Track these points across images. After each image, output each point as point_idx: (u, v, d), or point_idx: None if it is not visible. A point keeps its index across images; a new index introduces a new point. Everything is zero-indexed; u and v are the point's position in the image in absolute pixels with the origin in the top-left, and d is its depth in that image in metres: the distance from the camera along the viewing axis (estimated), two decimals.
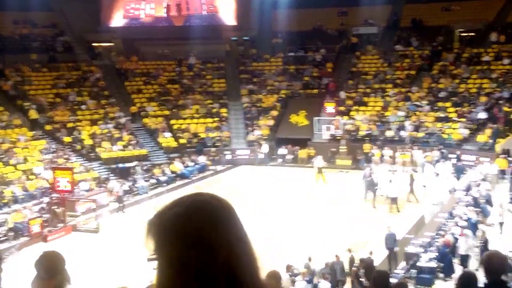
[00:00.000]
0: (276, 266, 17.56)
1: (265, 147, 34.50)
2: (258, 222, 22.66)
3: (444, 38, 38.65)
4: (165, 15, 42.65)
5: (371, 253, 16.93)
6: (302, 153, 34.24)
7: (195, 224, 1.40)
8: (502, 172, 26.81)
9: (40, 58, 37.42)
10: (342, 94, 37.07)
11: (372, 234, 20.84)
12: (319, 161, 29.94)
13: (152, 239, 1.44)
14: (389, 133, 33.41)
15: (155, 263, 1.44)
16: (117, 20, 42.61)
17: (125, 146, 32.19)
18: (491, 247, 16.10)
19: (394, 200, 24.09)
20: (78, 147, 31.23)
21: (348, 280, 16.44)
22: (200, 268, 1.37)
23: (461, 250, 16.37)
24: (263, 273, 1.48)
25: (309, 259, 16.15)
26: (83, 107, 34.93)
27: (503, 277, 4.10)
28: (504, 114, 30.80)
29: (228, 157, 34.74)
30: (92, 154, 30.98)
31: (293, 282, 14.14)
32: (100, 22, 41.94)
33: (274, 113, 37.15)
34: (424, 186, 26.10)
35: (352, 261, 16.50)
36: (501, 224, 19.84)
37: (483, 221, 21.46)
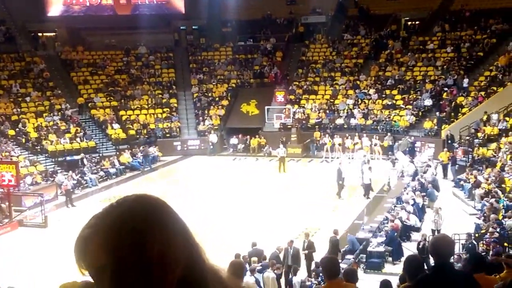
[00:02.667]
0: (222, 255, 17.69)
1: (213, 137, 34.35)
2: (207, 211, 22.67)
3: (391, 26, 39.30)
4: (112, 2, 41.59)
5: (336, 232, 17.11)
6: (254, 142, 34.30)
7: (129, 231, 1.26)
8: (445, 166, 26.83)
9: None
10: (292, 83, 37.29)
11: (324, 220, 21.13)
12: (281, 150, 29.93)
13: (84, 254, 1.30)
14: (339, 121, 33.82)
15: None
16: (57, 7, 41.10)
17: (72, 139, 31.44)
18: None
19: (368, 187, 24.24)
20: (23, 140, 30.29)
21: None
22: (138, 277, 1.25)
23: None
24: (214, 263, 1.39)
25: (254, 244, 16.11)
26: (27, 99, 33.85)
27: (450, 259, 4.20)
28: (449, 101, 31.66)
29: (179, 147, 34.49)
30: (38, 147, 30.13)
31: (252, 271, 14.12)
32: (43, 11, 40.40)
33: (225, 102, 37.02)
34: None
35: (310, 246, 16.58)
36: (434, 231, 18.13)
37: (429, 205, 22.08)
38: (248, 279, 13.59)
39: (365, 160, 26.29)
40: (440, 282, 3.90)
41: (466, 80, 32.60)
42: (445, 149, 27.62)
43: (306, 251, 16.47)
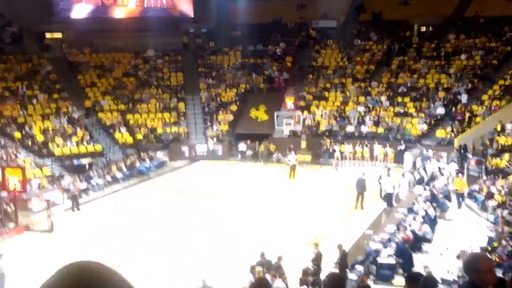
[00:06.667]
0: (230, 264, 17.27)
1: (211, 143, 33.94)
2: (215, 218, 22.29)
3: (404, 32, 38.81)
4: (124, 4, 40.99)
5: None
6: (263, 148, 33.86)
7: None
8: (460, 196, 23.29)
9: None
10: (302, 89, 36.84)
11: (331, 229, 20.70)
12: (293, 158, 29.40)
13: None
14: (349, 129, 33.31)
15: None
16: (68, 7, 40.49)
17: (79, 142, 31.05)
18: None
19: (389, 196, 23.61)
20: (29, 143, 29.88)
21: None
22: None
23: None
24: None
25: (262, 255, 15.71)
26: (33, 101, 33.44)
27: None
28: (462, 111, 31.13)
29: (186, 153, 34.07)
30: (44, 151, 29.73)
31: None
32: (51, 12, 39.58)
33: (233, 107, 36.57)
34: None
35: (319, 256, 16.16)
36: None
37: (441, 216, 21.61)
38: None
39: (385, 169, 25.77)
40: None
41: (465, 96, 31.99)
42: (460, 175, 24.68)
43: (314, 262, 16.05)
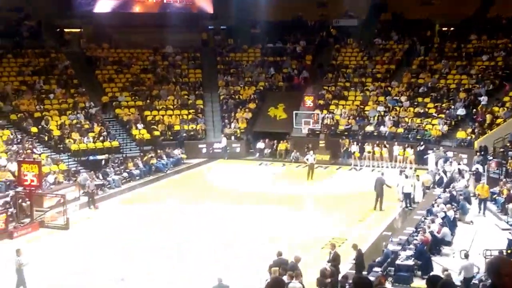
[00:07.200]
0: (246, 263, 17.04)
1: (224, 141, 33.65)
2: (231, 217, 22.08)
3: (425, 32, 38.25)
4: None
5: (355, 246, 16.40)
6: (281, 147, 33.58)
7: None
8: (483, 201, 22.36)
9: (4, 43, 35.58)
10: (321, 88, 36.47)
11: (349, 230, 20.40)
12: (311, 157, 29.01)
13: None
14: (369, 128, 32.88)
15: None
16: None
17: (95, 138, 30.96)
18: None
19: (407, 196, 23.30)
20: (46, 138, 29.78)
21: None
22: None
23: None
24: None
25: (280, 254, 15.45)
26: (51, 96, 33.31)
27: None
28: (482, 112, 30.57)
29: (204, 150, 33.90)
30: (60, 146, 29.63)
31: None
32: (70, 7, 39.15)
33: (252, 105, 36.30)
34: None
35: (337, 257, 15.86)
36: None
37: (461, 218, 21.16)
38: None
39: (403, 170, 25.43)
40: None
41: (485, 98, 31.37)
42: (483, 182, 23.90)
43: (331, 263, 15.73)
